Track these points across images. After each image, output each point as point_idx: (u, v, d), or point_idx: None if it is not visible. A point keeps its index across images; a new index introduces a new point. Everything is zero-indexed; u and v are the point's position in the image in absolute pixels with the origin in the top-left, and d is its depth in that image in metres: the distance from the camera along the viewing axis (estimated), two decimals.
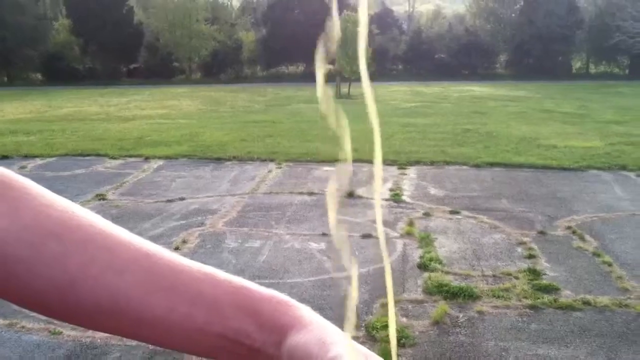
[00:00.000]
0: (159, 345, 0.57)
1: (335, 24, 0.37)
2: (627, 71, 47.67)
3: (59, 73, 43.92)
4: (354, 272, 0.39)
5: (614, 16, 41.46)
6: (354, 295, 0.40)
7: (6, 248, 0.52)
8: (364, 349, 0.49)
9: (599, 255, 6.61)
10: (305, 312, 0.55)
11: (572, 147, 13.48)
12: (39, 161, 12.45)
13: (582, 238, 7.23)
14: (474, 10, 53.67)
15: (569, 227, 7.67)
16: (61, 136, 15.91)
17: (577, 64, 51.68)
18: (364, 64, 0.37)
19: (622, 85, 36.02)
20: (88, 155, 13.05)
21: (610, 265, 6.32)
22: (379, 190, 0.38)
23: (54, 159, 12.70)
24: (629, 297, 5.54)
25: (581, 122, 18.29)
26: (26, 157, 12.82)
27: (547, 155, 12.46)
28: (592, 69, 50.57)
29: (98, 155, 13.02)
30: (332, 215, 0.37)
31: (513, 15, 50.21)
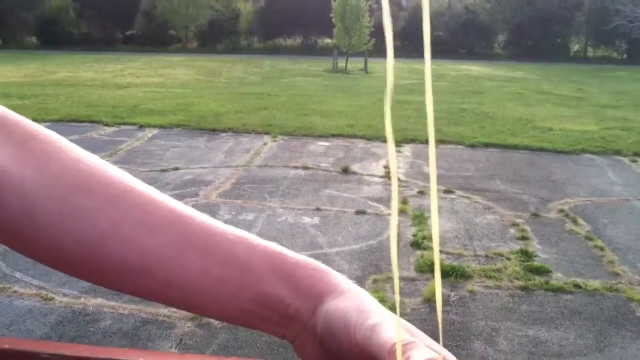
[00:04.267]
0: (187, 308, 0.55)
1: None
2: (624, 55, 47.59)
3: (54, 37, 43.49)
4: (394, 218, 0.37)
5: (613, 0, 41.27)
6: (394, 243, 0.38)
7: (35, 200, 0.51)
8: (403, 321, 0.47)
9: (591, 239, 6.64)
10: (342, 280, 0.53)
11: (567, 130, 13.48)
12: None
13: (574, 221, 7.26)
14: None
15: (562, 210, 7.69)
16: (55, 101, 15.80)
17: (575, 47, 51.51)
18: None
19: (620, 70, 35.98)
20: (82, 121, 12.97)
21: (602, 249, 6.35)
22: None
23: (47, 124, 12.59)
24: (620, 281, 5.58)
25: (577, 105, 18.28)
26: None
27: (543, 138, 12.46)
28: (590, 52, 50.44)
29: (92, 121, 12.93)
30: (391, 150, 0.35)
31: None
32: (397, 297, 0.40)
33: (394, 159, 0.34)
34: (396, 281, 0.39)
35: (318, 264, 0.55)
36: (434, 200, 0.34)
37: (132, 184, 0.54)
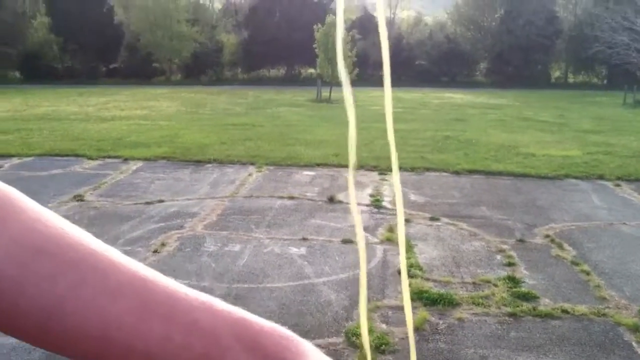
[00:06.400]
0: None
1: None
2: (605, 81, 48.29)
3: (38, 72, 43.54)
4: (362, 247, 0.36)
5: (592, 27, 41.95)
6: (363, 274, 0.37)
7: None
8: None
9: (577, 264, 6.65)
10: (309, 348, 0.52)
11: (550, 155, 13.59)
12: (16, 160, 12.29)
13: (560, 246, 7.28)
14: (455, 18, 54.00)
15: (547, 236, 7.71)
16: (39, 135, 15.73)
17: (556, 73, 52.25)
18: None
19: (600, 95, 36.46)
20: (66, 155, 12.91)
21: (588, 274, 6.36)
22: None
23: (31, 158, 12.54)
24: (607, 306, 5.58)
25: (559, 131, 18.46)
26: (3, 156, 12.64)
27: (526, 164, 12.54)
28: (571, 79, 51.17)
29: (76, 155, 12.87)
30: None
31: (494, 23, 50.60)
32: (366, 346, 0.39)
33: (352, 175, 0.33)
34: (364, 323, 0.38)
35: (284, 330, 0.53)
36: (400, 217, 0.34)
37: (92, 246, 0.52)
